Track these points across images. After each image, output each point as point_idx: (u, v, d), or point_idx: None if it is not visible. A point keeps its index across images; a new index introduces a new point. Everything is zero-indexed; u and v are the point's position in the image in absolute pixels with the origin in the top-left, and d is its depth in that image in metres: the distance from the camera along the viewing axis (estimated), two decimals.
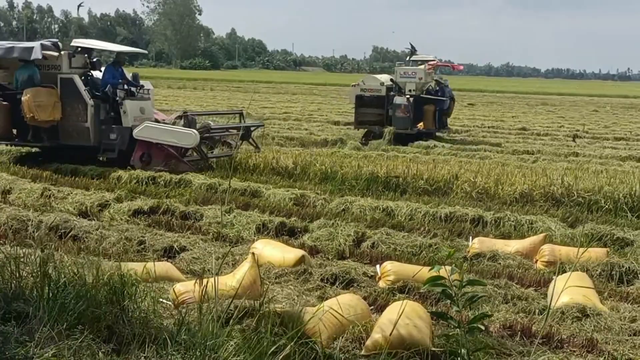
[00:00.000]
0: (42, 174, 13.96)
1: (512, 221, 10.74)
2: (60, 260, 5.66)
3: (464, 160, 17.94)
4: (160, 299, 5.95)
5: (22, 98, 14.51)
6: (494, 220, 10.83)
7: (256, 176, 14.46)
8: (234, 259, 8.12)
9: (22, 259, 5.52)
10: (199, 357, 4.44)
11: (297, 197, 12.17)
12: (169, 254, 8.59)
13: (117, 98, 15.06)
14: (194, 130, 14.56)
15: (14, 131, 15.90)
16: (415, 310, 5.62)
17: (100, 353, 4.51)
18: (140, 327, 4.88)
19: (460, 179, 13.26)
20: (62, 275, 5.19)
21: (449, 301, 4.73)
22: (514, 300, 7.11)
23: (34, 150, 16.65)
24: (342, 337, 5.51)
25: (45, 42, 15.28)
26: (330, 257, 8.53)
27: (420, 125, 23.83)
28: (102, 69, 15.82)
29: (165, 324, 5.10)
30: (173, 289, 6.29)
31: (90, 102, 14.96)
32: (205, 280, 5.26)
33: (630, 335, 6.20)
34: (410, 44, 25.33)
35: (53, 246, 7.06)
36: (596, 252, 8.64)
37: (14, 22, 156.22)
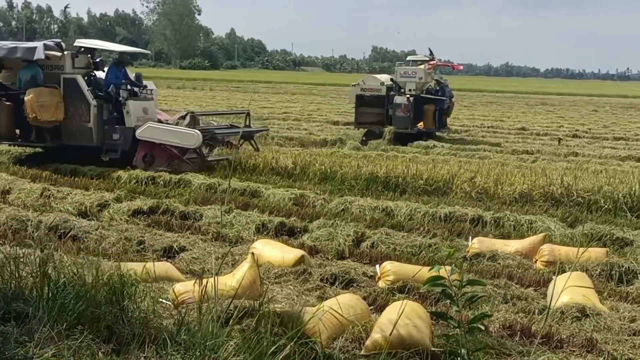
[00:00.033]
0: (42, 174, 13.96)
1: (512, 221, 10.74)
2: (59, 261, 5.66)
3: (463, 160, 17.93)
4: (160, 299, 5.95)
5: (25, 98, 14.50)
6: (494, 220, 10.83)
7: (256, 176, 14.46)
8: (233, 259, 8.13)
9: (21, 259, 5.52)
10: (199, 357, 4.44)
11: (297, 197, 12.17)
12: (168, 254, 8.59)
13: (120, 98, 15.03)
14: (196, 131, 14.53)
15: (17, 131, 15.88)
16: (414, 310, 5.62)
17: (100, 353, 4.51)
18: (140, 327, 4.88)
19: (461, 178, 13.24)
20: (62, 276, 5.19)
21: (448, 301, 4.73)
22: (514, 300, 7.12)
23: (33, 151, 16.63)
24: (342, 337, 5.51)
25: (48, 42, 15.26)
26: (329, 257, 8.54)
27: (420, 124, 23.87)
28: (105, 69, 15.80)
29: (164, 324, 5.10)
30: (173, 289, 6.29)
31: (93, 102, 14.94)
32: (204, 280, 5.26)
33: (630, 335, 6.20)
34: (429, 50, 25.35)
35: (52, 246, 7.06)
36: (596, 252, 8.64)
37: (14, 22, 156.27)
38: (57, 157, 15.37)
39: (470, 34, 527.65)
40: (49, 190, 11.95)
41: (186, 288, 6.17)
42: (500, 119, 35.30)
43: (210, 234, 9.62)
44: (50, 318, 4.73)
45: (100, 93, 15.22)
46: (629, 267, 8.27)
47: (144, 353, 4.60)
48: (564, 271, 7.75)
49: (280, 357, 4.41)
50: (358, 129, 24.57)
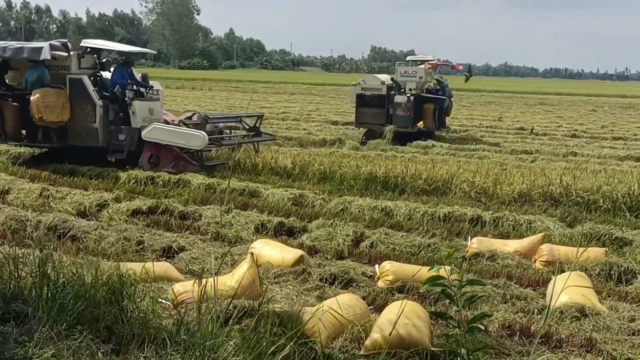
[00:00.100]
0: (41, 174, 13.95)
1: (511, 221, 10.74)
2: (59, 261, 5.66)
3: (462, 160, 17.94)
4: (159, 299, 5.95)
5: (31, 98, 14.45)
6: (493, 220, 10.83)
7: (255, 176, 14.45)
8: (232, 259, 8.13)
9: (20, 259, 5.52)
10: (198, 357, 4.44)
11: (296, 197, 12.16)
12: (167, 254, 8.59)
13: (126, 99, 15.00)
14: (202, 132, 14.50)
15: (23, 132, 15.83)
16: (414, 310, 5.62)
17: (99, 353, 4.51)
18: (140, 327, 4.88)
19: (460, 178, 13.24)
20: (61, 276, 5.18)
21: (447, 301, 4.73)
22: (513, 300, 7.12)
23: (31, 152, 16.61)
24: (341, 337, 5.51)
25: (55, 42, 15.21)
26: (329, 257, 8.54)
27: (420, 124, 23.92)
28: (112, 69, 15.78)
29: (164, 324, 5.10)
30: (172, 289, 6.29)
31: (99, 102, 14.90)
32: (204, 280, 5.25)
33: (629, 335, 6.20)
34: (469, 66, 25.47)
35: (52, 246, 7.07)
36: (595, 252, 8.64)
37: (12, 22, 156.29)
38: (63, 157, 15.31)
39: (469, 34, 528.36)
40: (48, 190, 11.95)
41: (185, 288, 6.16)
42: (499, 119, 35.29)
43: (210, 233, 9.62)
44: (50, 318, 4.73)
45: (106, 93, 15.18)
46: (628, 266, 8.27)
47: (143, 353, 4.60)
48: (563, 271, 7.76)
49: (280, 357, 4.41)
50: (358, 129, 24.62)
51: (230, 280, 6.36)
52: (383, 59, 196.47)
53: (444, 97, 24.36)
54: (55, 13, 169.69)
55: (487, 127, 30.55)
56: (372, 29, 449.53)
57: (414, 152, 20.34)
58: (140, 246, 8.79)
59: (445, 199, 12.49)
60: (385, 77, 24.54)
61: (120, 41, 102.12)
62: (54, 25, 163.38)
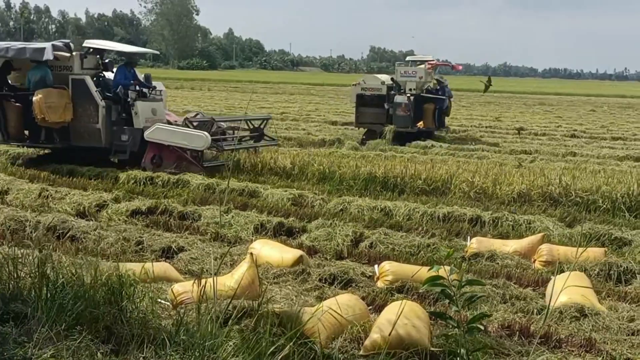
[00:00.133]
0: (40, 175, 13.95)
1: (510, 221, 10.74)
2: (58, 261, 5.65)
3: (461, 160, 17.94)
4: (159, 300, 5.95)
5: (33, 99, 14.43)
6: (492, 220, 10.83)
7: (254, 176, 14.45)
8: (232, 259, 8.12)
9: (20, 260, 5.51)
10: (198, 357, 4.44)
11: (295, 197, 12.16)
12: (167, 254, 8.59)
13: (129, 99, 14.97)
14: (205, 133, 14.48)
15: (26, 132, 15.81)
16: (413, 310, 5.62)
17: (98, 353, 4.51)
18: (139, 328, 4.88)
19: (459, 179, 13.23)
20: (60, 276, 5.18)
21: (447, 301, 4.73)
22: (512, 300, 7.12)
23: (36, 152, 16.60)
24: (341, 337, 5.51)
25: (57, 42, 15.18)
26: (328, 257, 8.53)
27: (420, 124, 23.96)
28: (114, 69, 15.76)
29: (163, 325, 5.09)
30: (171, 289, 6.28)
31: (102, 103, 14.87)
32: (203, 281, 5.25)
33: (629, 335, 6.20)
34: (489, 77, 25.57)
35: (51, 247, 7.07)
36: (594, 252, 8.64)
37: (11, 23, 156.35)
38: (66, 158, 15.29)
39: (468, 34, 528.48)
40: (47, 191, 11.94)
41: (185, 288, 6.16)
42: (498, 119, 35.31)
43: (209, 234, 9.62)
44: (49, 318, 4.73)
45: (108, 94, 15.15)
46: (627, 267, 8.27)
47: (142, 353, 4.60)
48: (562, 271, 7.77)
49: (280, 357, 4.41)
50: (358, 129, 24.66)
51: (230, 280, 6.36)
52: (382, 59, 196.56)
53: (444, 97, 24.44)
54: (55, 13, 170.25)
55: (486, 127, 30.56)
56: (372, 29, 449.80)
57: (413, 152, 20.34)
58: (140, 246, 8.79)
59: (445, 199, 12.49)
60: (385, 77, 24.59)
61: (119, 41, 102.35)
62: (53, 26, 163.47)
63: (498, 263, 8.59)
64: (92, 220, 10.01)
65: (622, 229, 10.34)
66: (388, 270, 7.53)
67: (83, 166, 14.68)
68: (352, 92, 24.61)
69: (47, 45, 14.76)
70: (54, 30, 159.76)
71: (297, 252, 8.07)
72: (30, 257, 5.53)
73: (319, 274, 7.59)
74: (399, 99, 23.08)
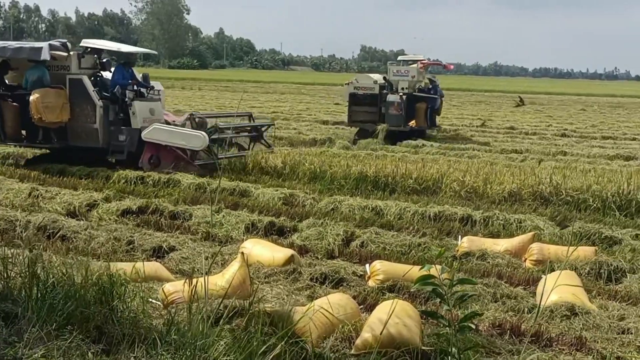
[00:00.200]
0: (30, 174, 13.90)
1: (501, 220, 10.75)
2: (48, 261, 5.64)
3: (452, 160, 17.97)
4: (150, 299, 5.94)
5: (30, 99, 14.34)
6: (483, 219, 10.84)
7: (245, 176, 14.43)
8: (223, 258, 8.11)
9: (10, 260, 5.49)
10: (189, 357, 4.43)
11: (286, 197, 12.15)
12: (158, 253, 8.57)
13: (126, 99, 14.90)
14: (202, 133, 14.42)
15: (23, 132, 15.70)
16: (404, 309, 5.63)
17: (89, 353, 4.50)
18: (130, 327, 4.87)
19: (450, 178, 13.25)
20: (51, 276, 5.17)
21: (438, 300, 4.74)
22: (503, 299, 7.12)
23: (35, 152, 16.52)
24: (332, 337, 5.51)
25: (54, 42, 15.09)
26: (319, 257, 8.53)
27: (412, 122, 24.04)
28: (112, 69, 15.69)
29: (154, 324, 5.09)
30: (162, 289, 6.27)
31: (99, 103, 14.77)
32: (194, 280, 5.24)
33: (619, 334, 6.22)
34: (519, 97, 25.72)
35: (41, 246, 7.07)
36: (584, 251, 8.66)
37: (0, 22, 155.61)
38: (63, 158, 15.21)
39: (459, 33, 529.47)
40: (37, 190, 11.89)
41: (176, 288, 6.16)
42: (489, 118, 35.37)
43: (200, 233, 9.60)
44: (40, 318, 4.71)
45: (106, 94, 15.07)
46: (617, 265, 8.30)
47: (133, 353, 4.59)
48: (553, 270, 7.79)
49: (271, 356, 4.40)
50: (351, 127, 24.73)
51: (221, 280, 6.36)
52: (373, 59, 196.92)
53: (436, 97, 24.55)
54: (44, 12, 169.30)
55: (477, 126, 30.61)
56: (362, 29, 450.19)
57: (404, 151, 20.36)
58: (130, 246, 8.77)
59: (436, 198, 12.50)
60: (377, 77, 24.71)
61: (110, 41, 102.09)
62: (43, 25, 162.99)
63: (489, 262, 8.60)
64: (82, 220, 9.99)
65: (612, 228, 10.37)
66: (379, 269, 7.53)
67: (73, 166, 14.63)
68: (344, 91, 24.73)
69: (44, 44, 14.66)
70: (43, 29, 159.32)
71: (288, 252, 8.07)
72: (21, 257, 5.50)
73: (310, 274, 7.58)
74: (391, 98, 23.19)
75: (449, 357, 4.61)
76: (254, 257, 7.82)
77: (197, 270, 7.52)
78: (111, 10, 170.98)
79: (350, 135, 23.91)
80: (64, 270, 5.23)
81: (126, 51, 16.31)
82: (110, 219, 10.32)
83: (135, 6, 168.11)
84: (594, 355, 5.73)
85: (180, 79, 73.22)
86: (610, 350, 5.80)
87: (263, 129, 17.11)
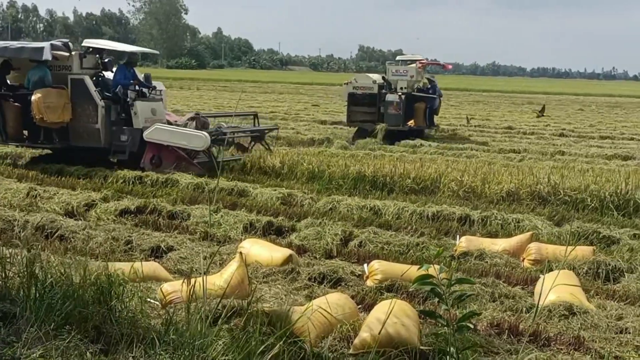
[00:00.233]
0: (28, 174, 13.89)
1: (499, 220, 10.76)
2: (46, 261, 5.63)
3: (450, 159, 17.97)
4: (148, 299, 5.94)
5: (32, 99, 14.30)
6: (481, 219, 10.85)
7: (243, 176, 14.43)
8: (221, 258, 8.11)
9: (8, 259, 5.48)
10: (188, 356, 4.43)
11: (285, 197, 12.15)
12: (156, 253, 8.56)
13: (128, 99, 14.86)
14: (204, 133, 14.39)
15: (25, 133, 15.66)
16: (403, 309, 5.63)
17: (88, 353, 4.49)
18: (128, 327, 4.86)
19: (448, 177, 13.25)
20: (49, 276, 5.16)
21: (436, 300, 4.74)
22: (501, 298, 7.12)
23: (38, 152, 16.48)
24: (331, 336, 5.51)
25: (56, 42, 15.05)
26: (317, 256, 8.52)
27: (411, 122, 24.08)
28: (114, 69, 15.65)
29: (153, 324, 5.08)
30: (160, 288, 6.27)
31: (101, 103, 14.74)
32: (192, 280, 5.24)
33: (617, 333, 6.22)
34: (542, 105, 25.82)
35: (39, 246, 7.04)
36: (582, 250, 8.66)
37: None
38: (65, 158, 15.18)
39: (456, 33, 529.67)
40: (35, 190, 11.89)
41: (174, 288, 6.16)
42: (486, 118, 35.40)
43: (198, 233, 9.60)
44: (38, 318, 4.71)
45: (108, 94, 15.04)
46: (615, 265, 8.30)
47: (132, 353, 4.58)
48: (551, 269, 7.80)
49: (269, 356, 4.40)
50: (350, 127, 24.77)
51: (219, 279, 6.35)
52: (371, 59, 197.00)
53: (435, 96, 24.60)
54: (42, 12, 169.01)
55: (475, 126, 30.63)
56: (360, 29, 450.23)
57: (402, 151, 20.37)
58: (129, 246, 8.77)
59: (434, 198, 12.50)
60: (376, 77, 24.77)
61: (108, 40, 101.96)
62: (41, 25, 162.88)
63: (487, 262, 8.60)
64: (80, 220, 9.98)
65: (610, 228, 10.37)
66: (377, 269, 7.53)
67: (71, 165, 14.62)
68: (344, 91, 24.80)
69: (46, 44, 14.62)
70: (41, 29, 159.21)
71: (287, 251, 8.07)
72: (19, 257, 5.49)
73: (309, 273, 7.58)
74: (390, 97, 23.26)
75: (447, 357, 4.61)
76: (252, 257, 7.82)
77: (196, 270, 7.52)
78: (109, 10, 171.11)
79: (349, 135, 23.93)
80: (62, 270, 5.23)
81: (128, 51, 16.30)
82: (108, 219, 10.31)
83: (133, 6, 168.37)
84: (592, 355, 5.73)
85: (178, 79, 73.16)
86: (608, 349, 5.81)
87: (267, 131, 17.09)
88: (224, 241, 9.18)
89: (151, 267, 7.31)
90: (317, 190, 12.91)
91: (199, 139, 14.21)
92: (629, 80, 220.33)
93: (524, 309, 6.82)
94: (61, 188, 12.36)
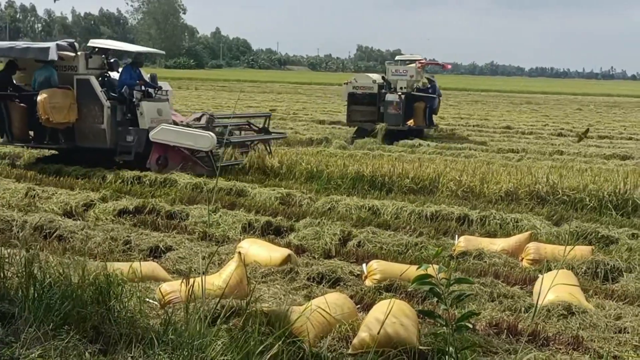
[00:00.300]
0: (27, 174, 13.88)
1: (498, 219, 10.76)
2: (45, 261, 5.63)
3: (449, 159, 17.98)
4: (147, 299, 5.94)
5: (37, 99, 14.25)
6: (480, 218, 10.85)
7: (242, 175, 14.41)
8: (220, 258, 8.10)
9: (6, 260, 5.49)
10: (186, 356, 4.43)
11: (283, 197, 12.15)
12: (154, 253, 8.56)
13: (134, 99, 14.82)
14: (210, 133, 14.33)
15: (31, 133, 15.62)
16: (401, 308, 5.63)
17: (86, 353, 4.49)
18: (127, 327, 4.86)
19: (447, 177, 13.25)
20: (48, 276, 5.16)
21: (435, 300, 4.74)
22: (500, 298, 7.12)
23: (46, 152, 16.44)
24: (329, 336, 5.51)
25: (61, 42, 15.00)
26: (316, 256, 8.52)
27: (410, 122, 24.12)
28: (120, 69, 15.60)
29: (151, 324, 5.08)
30: (159, 288, 6.27)
31: (107, 103, 14.69)
32: (191, 280, 5.24)
33: (616, 333, 6.22)
34: (588, 126, 25.88)
35: (38, 246, 7.02)
36: (581, 250, 8.67)
37: None
38: (70, 159, 15.13)
39: (455, 33, 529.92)
40: (33, 190, 11.88)
41: (173, 288, 6.15)
42: (485, 118, 35.41)
43: (197, 233, 9.60)
44: (36, 318, 4.71)
45: (113, 94, 15.00)
46: (614, 265, 8.30)
47: (131, 353, 4.58)
48: (549, 269, 7.79)
49: (268, 356, 4.40)
50: (350, 126, 24.82)
51: (218, 279, 6.35)
52: (370, 58, 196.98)
53: (434, 96, 24.65)
54: (41, 12, 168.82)
55: (473, 125, 30.66)
56: (359, 28, 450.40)
57: (400, 151, 20.39)
58: (127, 246, 8.76)
59: (432, 198, 12.50)
60: (376, 76, 24.82)
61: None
62: (39, 25, 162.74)
63: (486, 261, 8.60)
64: (79, 220, 9.97)
65: (608, 227, 10.37)
66: (376, 269, 7.53)
67: (69, 165, 14.60)
68: (343, 91, 24.89)
69: (52, 44, 14.56)
70: (40, 29, 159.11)
71: (285, 251, 8.07)
72: (17, 257, 5.49)
73: (307, 273, 7.58)
74: (390, 97, 23.33)
75: (446, 357, 4.61)
76: (251, 257, 7.81)
77: (194, 270, 7.51)
78: (107, 10, 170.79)
79: (347, 135, 23.95)
80: (61, 270, 5.22)
81: (134, 51, 16.26)
82: (107, 219, 10.31)
83: (131, 6, 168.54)
84: (590, 355, 5.73)
85: (176, 79, 73.00)
86: (607, 349, 5.81)
87: (266, 124, 17.05)
88: (223, 241, 9.18)
89: (150, 267, 7.31)
90: (316, 190, 12.91)
91: (205, 140, 14.16)
92: (627, 79, 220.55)
93: (523, 308, 6.82)
94: (60, 188, 12.35)
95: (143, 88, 15.11)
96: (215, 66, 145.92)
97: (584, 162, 18.98)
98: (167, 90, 15.87)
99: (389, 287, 7.30)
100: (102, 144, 14.88)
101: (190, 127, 14.95)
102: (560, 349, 5.82)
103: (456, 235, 9.64)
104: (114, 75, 15.53)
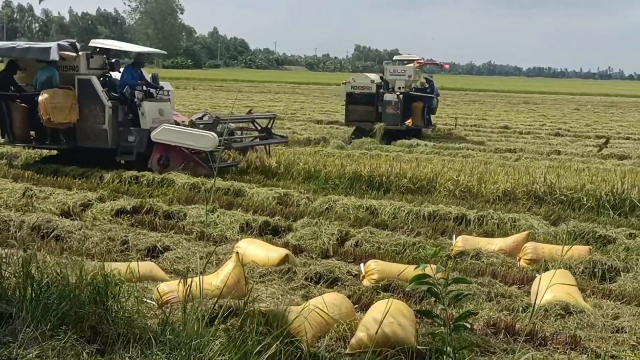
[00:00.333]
0: (24, 174, 13.87)
1: (495, 219, 10.76)
2: (42, 261, 5.61)
3: (446, 159, 17.99)
4: (144, 299, 5.93)
5: (39, 99, 14.22)
6: (477, 218, 10.85)
7: (239, 175, 14.41)
8: (217, 258, 8.10)
9: (4, 260, 5.48)
10: (184, 356, 4.43)
11: (281, 196, 12.15)
12: (152, 253, 8.56)
13: (135, 99, 14.80)
14: (212, 133, 14.30)
15: (32, 133, 15.58)
16: (399, 308, 5.63)
17: (84, 353, 4.49)
18: (125, 327, 4.86)
19: (444, 177, 13.25)
20: (45, 276, 5.15)
21: (432, 299, 4.74)
22: (498, 298, 7.13)
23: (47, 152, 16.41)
24: (327, 336, 5.51)
25: (63, 42, 14.95)
26: (314, 256, 8.51)
27: (409, 122, 24.14)
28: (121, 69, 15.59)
29: (149, 324, 5.08)
30: (157, 288, 6.26)
31: (108, 103, 14.65)
32: (189, 280, 5.24)
33: (613, 332, 6.23)
34: (607, 137, 25.90)
35: (35, 246, 7.01)
36: (579, 250, 8.67)
37: None
38: (72, 159, 15.08)
39: (452, 33, 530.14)
40: (31, 190, 11.87)
41: (170, 288, 6.15)
42: (482, 118, 35.43)
43: (194, 233, 9.59)
44: (34, 318, 4.70)
45: (115, 94, 14.97)
46: (611, 264, 8.31)
47: (128, 353, 4.58)
48: (547, 269, 7.80)
49: (266, 356, 4.40)
50: (348, 126, 24.85)
51: (216, 279, 6.35)
52: (367, 58, 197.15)
53: (433, 96, 24.68)
54: (38, 12, 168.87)
55: (471, 125, 30.68)
56: (357, 28, 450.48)
57: (398, 150, 20.40)
58: (125, 246, 8.76)
59: (430, 198, 12.51)
60: (375, 76, 24.86)
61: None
62: (37, 24, 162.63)
63: (483, 261, 8.61)
64: (76, 220, 9.96)
65: (606, 227, 10.39)
66: (374, 268, 7.53)
67: (67, 165, 14.59)
68: (342, 91, 24.96)
69: (53, 45, 14.53)
70: (37, 29, 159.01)
71: (283, 251, 8.07)
72: (15, 257, 5.48)
73: (305, 273, 7.58)
74: (388, 97, 23.38)
75: (444, 357, 4.61)
76: (249, 257, 7.81)
77: (192, 270, 7.52)
78: (105, 10, 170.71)
79: (345, 135, 23.96)
80: (58, 270, 5.22)
81: (136, 51, 16.22)
82: (104, 219, 10.30)
83: (129, 5, 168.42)
84: (588, 354, 5.73)
85: (174, 79, 72.70)
86: (605, 349, 5.81)
87: (269, 125, 17.02)
88: (221, 241, 9.17)
89: (147, 267, 7.31)
90: (314, 190, 12.91)
91: (206, 140, 14.13)
92: (625, 79, 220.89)
93: (521, 308, 6.82)
94: (57, 188, 12.34)
95: (144, 88, 15.10)
96: (212, 66, 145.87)
97: (581, 162, 18.99)
98: (168, 91, 15.85)
99: (387, 287, 7.30)
100: (104, 144, 14.85)
101: (195, 126, 14.92)
102: (557, 348, 5.82)
103: (454, 235, 9.64)
104: (116, 75, 15.50)
